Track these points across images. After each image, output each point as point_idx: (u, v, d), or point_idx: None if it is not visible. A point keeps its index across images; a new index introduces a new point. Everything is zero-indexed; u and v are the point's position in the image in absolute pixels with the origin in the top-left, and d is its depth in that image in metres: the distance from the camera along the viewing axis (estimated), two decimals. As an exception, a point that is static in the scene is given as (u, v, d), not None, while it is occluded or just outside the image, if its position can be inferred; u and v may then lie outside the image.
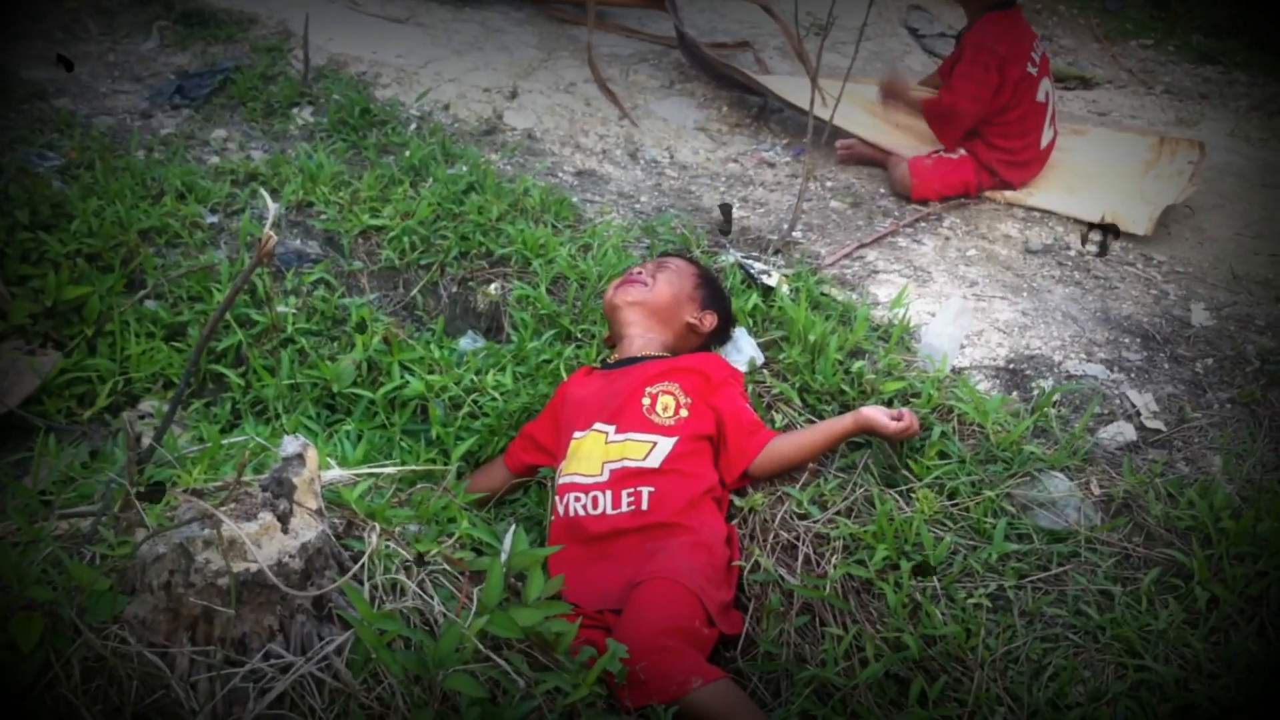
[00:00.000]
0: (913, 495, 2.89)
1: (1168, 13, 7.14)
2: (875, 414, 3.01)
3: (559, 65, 5.64)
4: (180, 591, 1.96)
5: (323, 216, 4.01)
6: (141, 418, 3.39)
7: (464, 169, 4.33)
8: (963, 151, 4.70)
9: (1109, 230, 4.40)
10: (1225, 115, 5.85)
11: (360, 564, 2.15)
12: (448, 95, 5.18)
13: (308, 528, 2.10)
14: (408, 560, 2.29)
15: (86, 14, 5.52)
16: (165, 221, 3.86)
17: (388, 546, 2.28)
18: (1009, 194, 4.67)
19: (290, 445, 2.17)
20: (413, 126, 4.78)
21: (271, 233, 2.26)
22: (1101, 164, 4.83)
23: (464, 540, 2.53)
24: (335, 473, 2.62)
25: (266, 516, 2.06)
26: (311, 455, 2.18)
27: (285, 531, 2.07)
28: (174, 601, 1.97)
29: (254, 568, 1.98)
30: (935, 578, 2.66)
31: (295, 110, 4.84)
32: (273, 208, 2.33)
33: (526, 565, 2.32)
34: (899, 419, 2.99)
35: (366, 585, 2.17)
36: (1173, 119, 5.75)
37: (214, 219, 3.97)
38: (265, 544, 2.03)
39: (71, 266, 3.60)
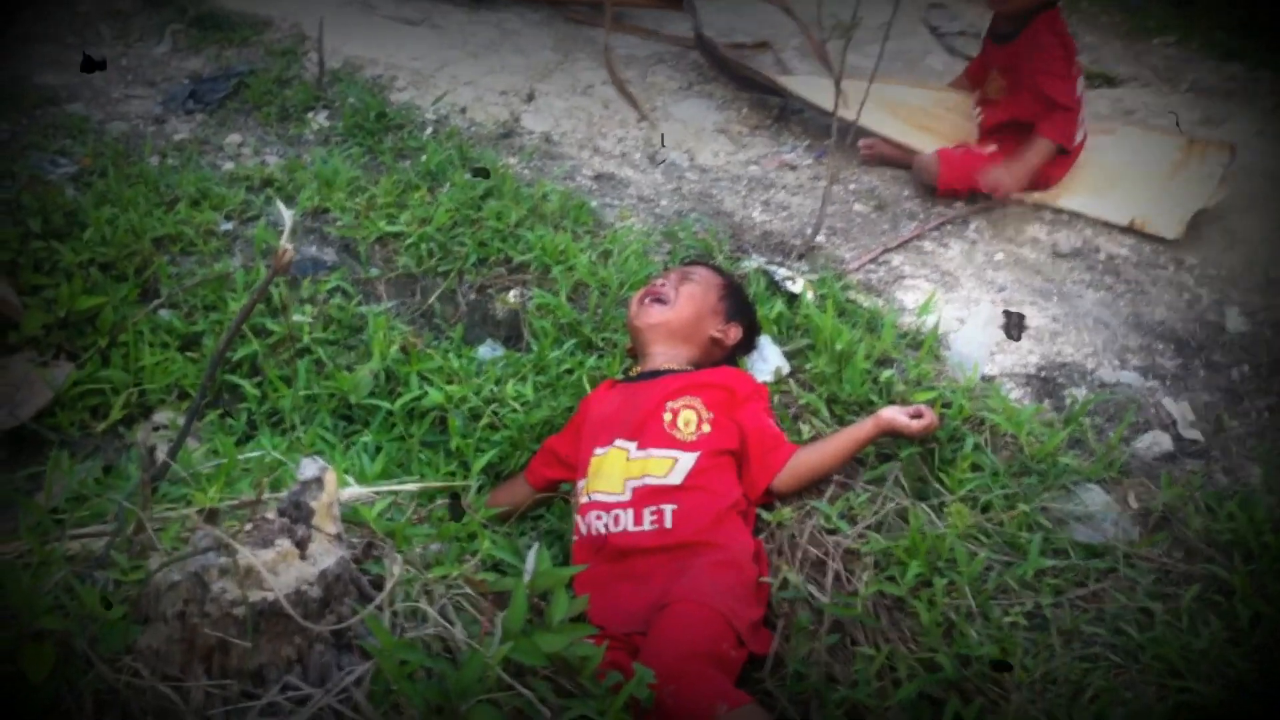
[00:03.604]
0: (945, 509, 2.81)
1: (1191, 9, 7.04)
2: (894, 415, 2.95)
3: (576, 67, 5.57)
4: (195, 622, 1.90)
5: (338, 223, 3.95)
6: (156, 429, 3.34)
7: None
8: (994, 147, 4.60)
9: None
10: (1252, 113, 5.74)
11: (383, 594, 2.09)
12: (464, 98, 5.11)
13: (326, 554, 2.04)
14: (428, 584, 2.22)
15: (99, 18, 5.46)
16: (179, 229, 3.81)
17: (408, 571, 2.22)
18: (1036, 195, 4.57)
19: (308, 468, 2.10)
20: (429, 130, 4.72)
21: (289, 245, 2.20)
22: (1130, 164, 4.72)
23: (486, 559, 2.46)
24: (353, 490, 2.56)
25: (284, 543, 1.99)
26: (330, 478, 2.11)
27: (303, 558, 2.01)
28: (189, 632, 1.91)
29: (271, 597, 1.92)
30: (970, 595, 2.58)
31: (310, 114, 4.78)
32: (289, 218, 2.27)
33: (550, 585, 2.26)
34: (918, 416, 2.94)
35: (387, 612, 2.10)
36: (1199, 117, 5.64)
37: (229, 226, 3.92)
38: (283, 572, 1.97)
39: (85, 276, 3.54)
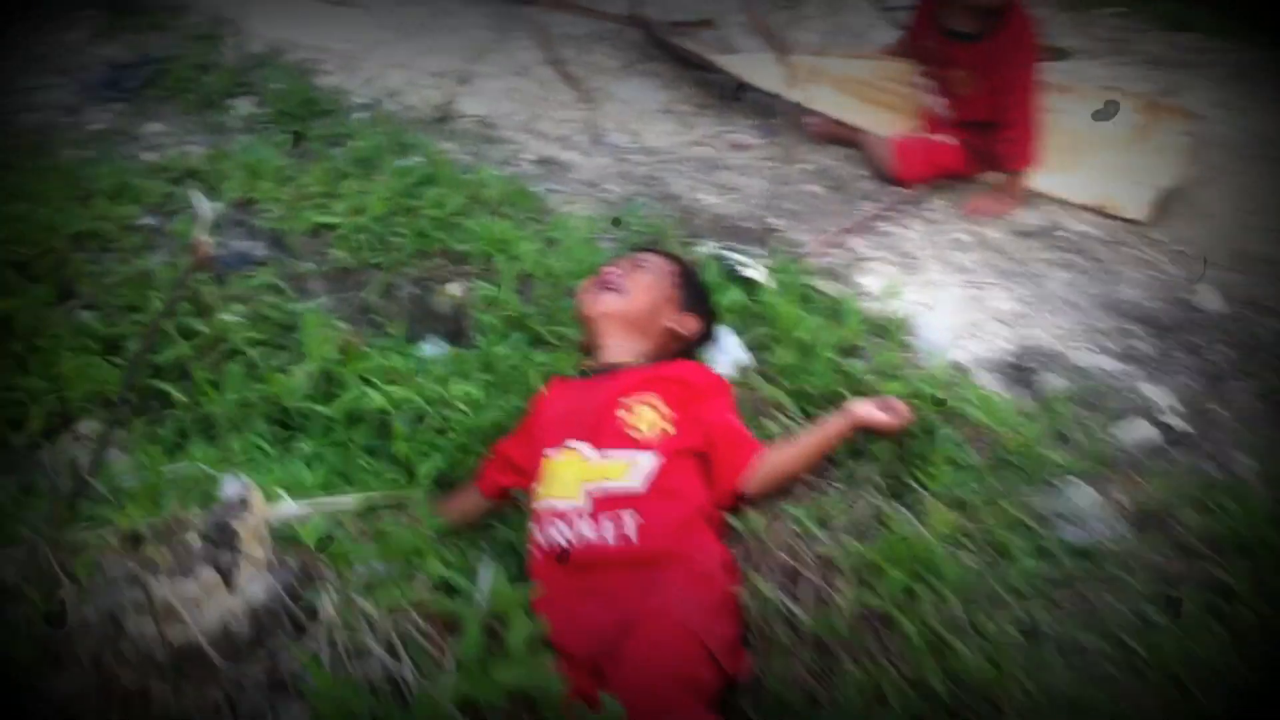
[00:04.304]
0: (922, 509, 2.64)
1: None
2: (865, 409, 2.76)
3: (512, 47, 5.36)
4: (112, 666, 1.70)
5: (267, 214, 3.72)
6: (79, 440, 3.11)
7: (417, 159, 4.04)
8: (952, 139, 4.39)
9: None
10: (1206, 84, 5.61)
11: (319, 626, 1.89)
12: (396, 81, 4.90)
13: (255, 583, 1.84)
14: (371, 612, 2.02)
15: (9, 3, 5.19)
16: (97, 225, 3.57)
17: (348, 598, 2.01)
18: (993, 176, 4.39)
19: (231, 488, 1.90)
20: (360, 115, 4.50)
21: (206, 239, 2.01)
22: (1090, 132, 4.52)
23: (435, 580, 2.27)
24: (288, 507, 2.35)
25: (207, 573, 1.79)
26: (256, 499, 1.91)
27: (229, 589, 1.81)
28: (105, 677, 1.71)
29: (194, 635, 1.72)
30: (956, 605, 2.40)
31: (233, 101, 4.55)
32: (206, 210, 2.08)
33: (507, 608, 2.08)
34: (889, 408, 2.77)
35: (325, 646, 1.90)
36: (1153, 89, 5.52)
37: (150, 220, 3.68)
38: (207, 606, 1.77)
39: (-2, 277, 3.31)
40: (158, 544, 1.93)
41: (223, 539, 1.84)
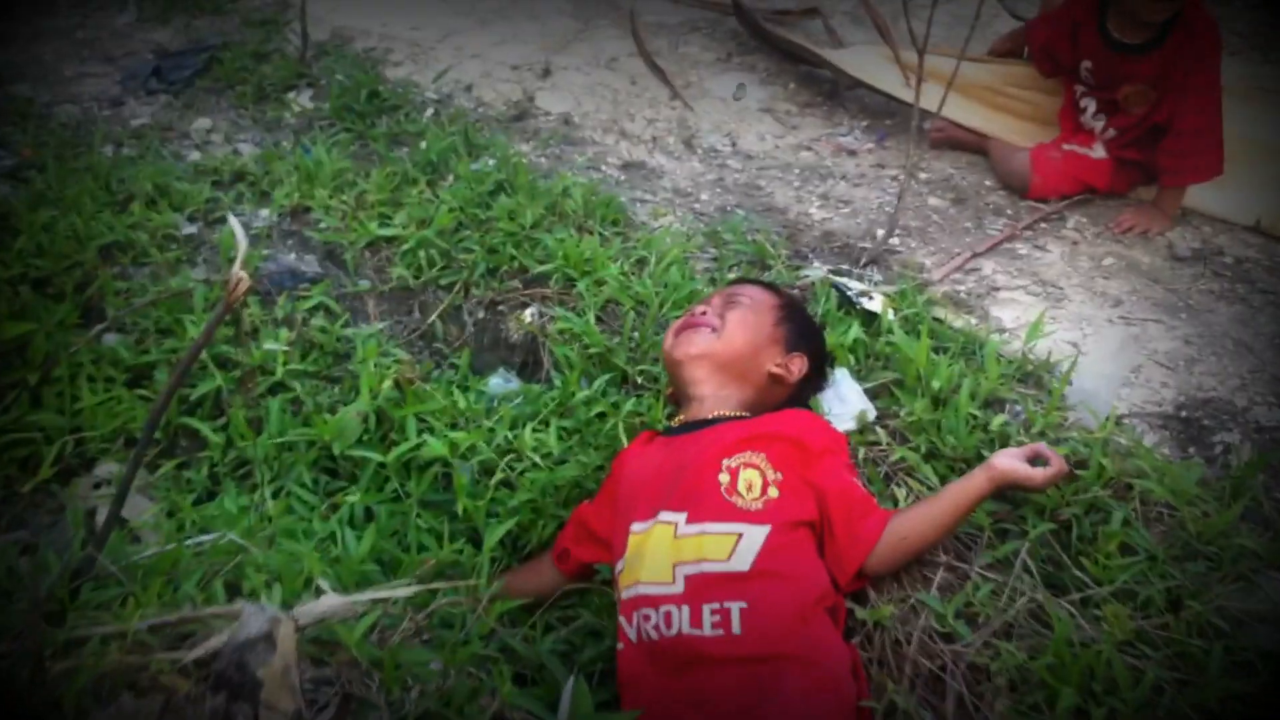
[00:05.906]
0: (1091, 606, 2.18)
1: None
2: (1012, 465, 2.28)
3: (598, 37, 4.94)
4: None
5: (322, 225, 3.33)
6: (97, 487, 2.71)
7: (490, 163, 3.64)
8: (1102, 152, 3.90)
9: None
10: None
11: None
12: (470, 74, 4.50)
13: (278, 742, 1.42)
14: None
15: (56, -18, 4.84)
16: (131, 234, 3.20)
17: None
18: (1142, 189, 3.90)
19: (253, 620, 1.47)
20: (430, 112, 4.10)
21: (242, 274, 1.61)
22: (1240, 136, 3.95)
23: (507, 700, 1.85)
24: (329, 601, 1.93)
25: (214, 735, 1.37)
26: (285, 633, 1.48)
27: (243, 753, 1.39)
28: None
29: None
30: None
31: (292, 94, 4.16)
32: (243, 240, 1.69)
33: (593, 742, 1.67)
34: (1040, 458, 2.31)
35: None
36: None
37: (192, 229, 3.31)
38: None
39: (12, 295, 2.91)
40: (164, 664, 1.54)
41: (241, 686, 1.42)
